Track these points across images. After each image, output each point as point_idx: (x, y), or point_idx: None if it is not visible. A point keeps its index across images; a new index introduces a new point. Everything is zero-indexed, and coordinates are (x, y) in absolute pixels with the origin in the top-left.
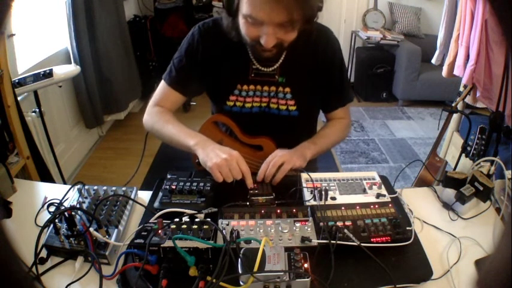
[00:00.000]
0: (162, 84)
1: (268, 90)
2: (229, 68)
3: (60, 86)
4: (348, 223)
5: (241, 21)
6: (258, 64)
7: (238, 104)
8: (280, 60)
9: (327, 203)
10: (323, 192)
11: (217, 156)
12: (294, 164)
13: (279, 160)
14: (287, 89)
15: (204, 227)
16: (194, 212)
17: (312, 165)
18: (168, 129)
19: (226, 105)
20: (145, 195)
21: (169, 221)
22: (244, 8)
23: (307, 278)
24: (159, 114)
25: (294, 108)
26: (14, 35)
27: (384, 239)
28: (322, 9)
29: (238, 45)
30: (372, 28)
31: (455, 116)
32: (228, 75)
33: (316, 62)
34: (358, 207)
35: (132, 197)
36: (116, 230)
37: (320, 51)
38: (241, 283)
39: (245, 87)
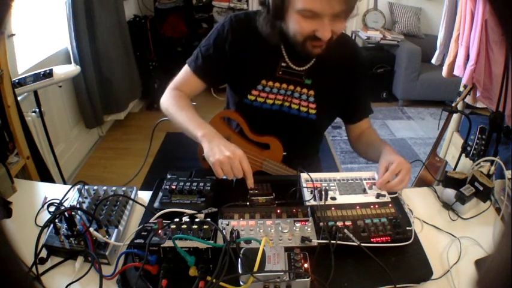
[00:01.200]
0: (185, 69)
1: (293, 89)
2: (256, 62)
3: (60, 86)
4: (348, 223)
5: (293, 18)
6: (290, 62)
7: (259, 99)
8: (312, 61)
9: (327, 203)
10: (323, 192)
11: (220, 153)
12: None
13: (404, 173)
14: (311, 92)
15: (204, 227)
16: (194, 212)
17: (317, 166)
18: (180, 115)
19: (247, 98)
20: (145, 195)
21: (169, 221)
22: (300, 4)
23: (307, 278)
24: (177, 97)
25: (314, 111)
26: (14, 35)
27: (383, 239)
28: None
29: (270, 42)
30: (372, 28)
31: (455, 116)
32: (255, 69)
33: (345, 70)
34: (358, 207)
35: (132, 197)
36: (116, 230)
37: (350, 61)
38: (241, 283)
39: (270, 83)
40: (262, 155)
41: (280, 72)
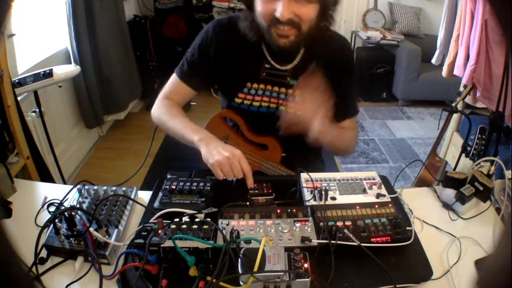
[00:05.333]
0: (173, 78)
1: (278, 91)
2: (241, 65)
3: (60, 86)
4: (348, 223)
5: (258, 2)
6: (273, 60)
7: (246, 102)
8: (295, 61)
9: (327, 203)
10: (323, 192)
11: (219, 154)
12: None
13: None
14: (297, 93)
15: (204, 227)
16: (194, 212)
17: (317, 163)
18: (174, 123)
19: (234, 101)
20: (145, 195)
21: (169, 221)
22: None
23: (307, 278)
24: (167, 106)
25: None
26: (14, 35)
27: (384, 239)
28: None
29: (253, 44)
30: (372, 28)
31: (455, 116)
32: (239, 72)
33: (330, 69)
34: (358, 207)
35: (132, 197)
36: (116, 230)
37: (335, 60)
38: (241, 283)
39: (255, 85)
40: (260, 156)
41: (264, 74)
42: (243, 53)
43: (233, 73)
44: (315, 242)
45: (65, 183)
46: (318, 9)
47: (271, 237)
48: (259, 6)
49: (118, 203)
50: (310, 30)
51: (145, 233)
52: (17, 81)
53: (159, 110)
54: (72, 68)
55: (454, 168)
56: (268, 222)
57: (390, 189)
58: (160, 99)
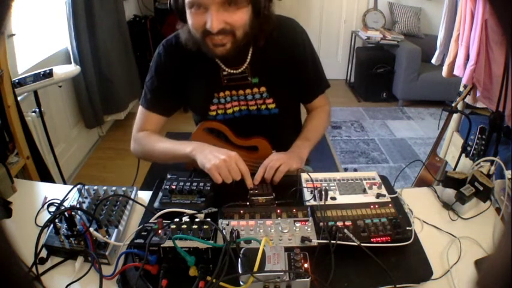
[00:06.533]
0: (140, 110)
1: (244, 93)
2: (201, 79)
3: (60, 86)
4: (348, 223)
5: (188, 16)
6: (226, 67)
7: (219, 111)
8: (248, 60)
9: (327, 203)
10: (323, 192)
11: (215, 158)
12: (291, 166)
13: (275, 163)
14: (262, 89)
15: (204, 227)
16: (194, 212)
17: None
18: (160, 146)
19: (209, 115)
20: (145, 195)
21: (169, 221)
22: None
23: (307, 278)
24: (146, 137)
25: (273, 106)
26: (14, 35)
27: (384, 239)
28: None
29: (205, 56)
30: (372, 28)
31: (455, 116)
32: (203, 86)
33: (285, 55)
34: (358, 207)
35: (132, 197)
36: (116, 230)
37: (288, 44)
38: (241, 283)
39: (221, 94)
40: (253, 158)
41: (226, 81)
42: (198, 67)
43: (196, 88)
44: (315, 242)
45: (65, 183)
46: (250, 12)
47: (271, 237)
48: (190, 20)
49: (118, 203)
50: (246, 34)
51: (145, 233)
52: (17, 81)
53: (139, 144)
54: (72, 68)
55: (454, 168)
56: (268, 222)
57: (390, 189)
58: (135, 133)
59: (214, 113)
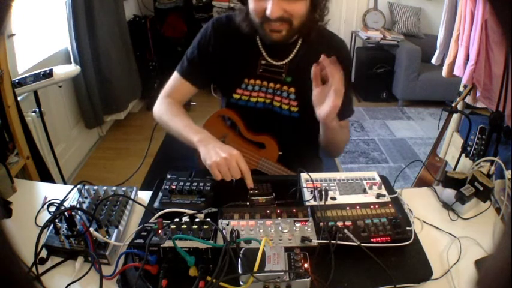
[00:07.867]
0: (174, 75)
1: (273, 87)
2: (238, 61)
3: (60, 86)
4: (348, 223)
5: (249, 0)
6: (268, 56)
7: (244, 97)
8: (290, 57)
9: (327, 203)
10: (323, 192)
11: (217, 155)
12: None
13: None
14: (291, 89)
15: (204, 227)
16: (194, 212)
17: (316, 167)
18: (175, 122)
19: (232, 97)
20: (145, 195)
21: (169, 221)
22: None
23: (307, 278)
24: (169, 105)
25: (296, 109)
26: (14, 35)
27: (383, 239)
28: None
29: (250, 41)
30: (372, 28)
31: (455, 116)
32: (237, 69)
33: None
34: (358, 207)
35: (132, 197)
36: (116, 230)
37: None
38: (241, 283)
39: (252, 81)
40: (258, 154)
41: (261, 70)
42: (240, 50)
43: (231, 69)
44: (315, 242)
45: (65, 183)
46: (308, 4)
47: (271, 237)
48: (251, 4)
49: (118, 203)
50: (302, 25)
51: (145, 233)
52: (17, 81)
53: (160, 108)
54: (72, 68)
55: (454, 168)
56: (268, 222)
57: (390, 189)
58: (161, 97)
59: (238, 97)
